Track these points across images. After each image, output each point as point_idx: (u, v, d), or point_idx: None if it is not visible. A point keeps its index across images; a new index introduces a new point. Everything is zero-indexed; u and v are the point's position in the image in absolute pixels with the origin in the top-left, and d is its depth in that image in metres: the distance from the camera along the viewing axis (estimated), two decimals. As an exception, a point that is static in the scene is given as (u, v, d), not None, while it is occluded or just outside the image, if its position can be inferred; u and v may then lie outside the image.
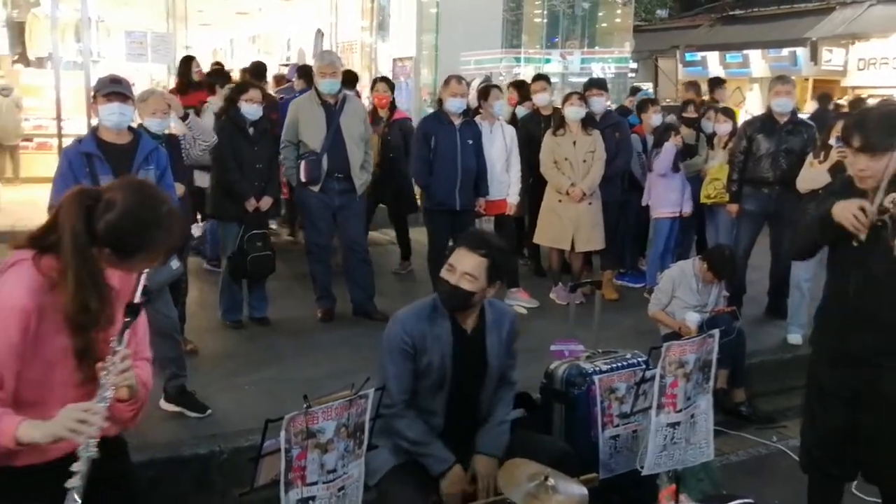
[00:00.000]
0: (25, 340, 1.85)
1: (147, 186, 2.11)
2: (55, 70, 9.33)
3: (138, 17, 11.56)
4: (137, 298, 1.94)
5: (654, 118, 6.72)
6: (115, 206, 1.89)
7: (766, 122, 5.81)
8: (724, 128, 6.38)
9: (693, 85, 8.93)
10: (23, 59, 11.89)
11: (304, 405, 2.37)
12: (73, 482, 1.78)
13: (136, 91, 4.35)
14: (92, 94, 3.88)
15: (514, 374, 3.22)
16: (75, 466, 1.79)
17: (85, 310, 1.87)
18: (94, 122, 3.91)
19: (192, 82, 7.34)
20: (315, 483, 2.44)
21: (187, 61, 7.68)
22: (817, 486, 3.10)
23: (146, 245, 1.93)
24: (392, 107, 6.93)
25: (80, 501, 1.78)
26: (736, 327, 4.73)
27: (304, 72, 8.29)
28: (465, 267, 2.86)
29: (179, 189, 4.17)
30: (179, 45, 10.69)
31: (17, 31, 11.38)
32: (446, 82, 5.81)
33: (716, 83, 8.85)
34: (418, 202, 6.34)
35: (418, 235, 6.94)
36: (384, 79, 7.41)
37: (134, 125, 3.93)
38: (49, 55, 9.96)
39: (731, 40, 18.49)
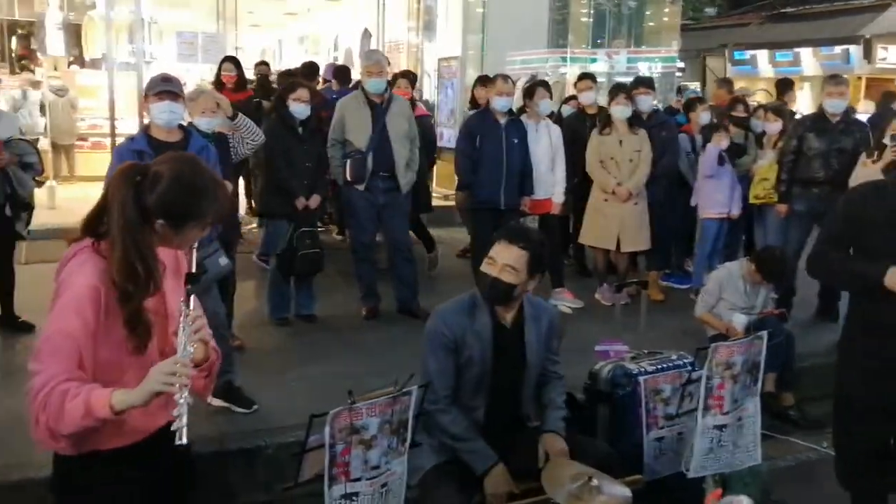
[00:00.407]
0: (98, 322, 1.89)
1: (192, 157, 2.18)
2: (109, 71, 9.54)
3: (190, 18, 11.79)
4: (194, 269, 2.01)
5: (702, 116, 6.62)
6: (163, 176, 1.93)
7: (817, 122, 5.68)
8: (773, 127, 6.26)
9: (726, 82, 8.75)
10: (78, 60, 12.20)
11: (349, 401, 2.39)
12: (177, 424, 1.81)
13: (187, 91, 4.42)
14: (144, 93, 3.97)
15: (560, 369, 3.22)
16: (175, 411, 1.82)
17: (131, 276, 1.89)
18: (146, 120, 3.99)
19: (221, 83, 7.26)
20: (359, 479, 2.47)
21: (230, 61, 7.67)
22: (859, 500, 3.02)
23: (195, 210, 1.97)
24: (412, 104, 6.92)
25: (185, 440, 1.81)
26: (785, 330, 4.64)
27: (340, 72, 8.37)
28: (506, 259, 2.86)
29: (228, 186, 4.23)
30: (229, 46, 10.86)
31: (74, 34, 11.68)
32: (493, 81, 5.81)
33: (785, 85, 8.58)
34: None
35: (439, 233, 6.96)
36: (406, 74, 7.39)
37: (184, 123, 4.00)
38: (103, 56, 10.19)
39: (782, 38, 18.12)
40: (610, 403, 3.52)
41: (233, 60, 7.62)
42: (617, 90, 6.17)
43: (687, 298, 6.11)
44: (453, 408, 2.94)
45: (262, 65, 8.75)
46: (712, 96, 8.84)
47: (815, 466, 4.21)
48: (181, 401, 1.82)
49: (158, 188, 1.92)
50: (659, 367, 3.54)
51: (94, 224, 1.97)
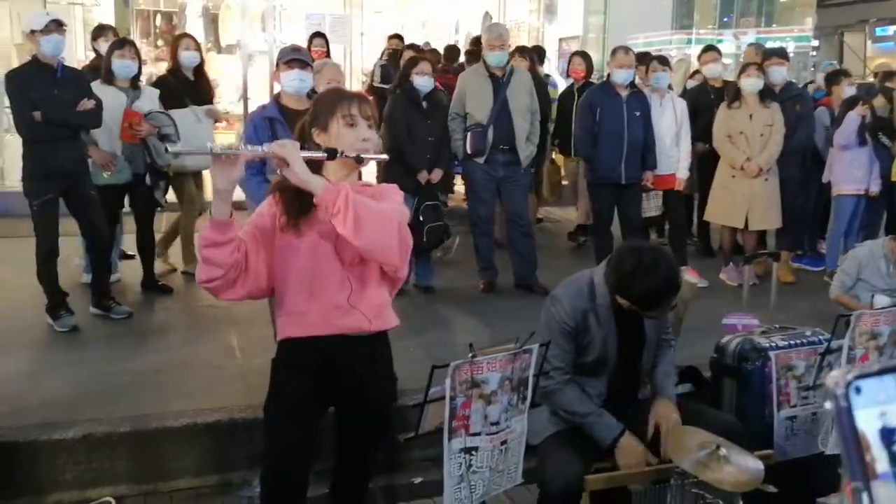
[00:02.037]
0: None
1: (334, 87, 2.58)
2: (243, 56, 9.95)
3: (317, 4, 12.12)
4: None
5: (846, 90, 6.21)
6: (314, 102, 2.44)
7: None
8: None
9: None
10: (215, 46, 12.79)
11: (470, 354, 2.40)
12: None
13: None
14: (275, 63, 4.10)
15: (671, 337, 3.16)
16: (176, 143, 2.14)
17: None
18: (277, 89, 4.13)
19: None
20: (478, 434, 2.47)
21: (319, 36, 7.59)
22: None
23: (331, 108, 2.30)
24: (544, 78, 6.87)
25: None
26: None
27: (448, 51, 8.51)
28: None
29: None
30: (355, 31, 11.09)
31: (212, 21, 12.25)
32: (613, 53, 5.69)
33: None
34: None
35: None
36: (535, 49, 7.29)
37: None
38: (237, 43, 10.64)
39: (931, 12, 16.80)
40: (737, 378, 3.36)
41: (322, 36, 7.65)
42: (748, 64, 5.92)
43: (820, 281, 5.79)
44: (573, 386, 2.88)
45: (396, 38, 8.72)
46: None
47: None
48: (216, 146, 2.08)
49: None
50: (792, 342, 3.34)
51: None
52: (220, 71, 11.15)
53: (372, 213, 2.08)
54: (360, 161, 2.25)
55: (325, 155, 2.19)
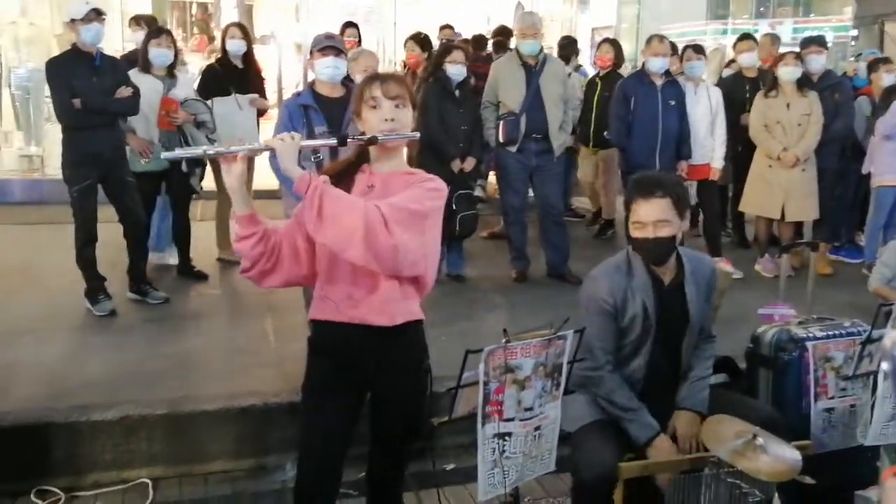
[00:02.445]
0: None
1: None
2: (278, 48, 10.03)
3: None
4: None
5: (885, 78, 6.08)
6: None
7: None
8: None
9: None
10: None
11: (504, 339, 2.39)
12: (186, 150, 2.12)
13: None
14: (309, 51, 4.12)
15: (713, 327, 3.09)
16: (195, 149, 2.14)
17: None
18: (311, 77, 4.15)
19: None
20: (512, 419, 2.46)
21: (351, 26, 7.52)
22: None
23: (359, 94, 2.30)
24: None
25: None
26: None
27: (476, 41, 8.40)
28: (654, 216, 2.71)
29: None
30: (388, 22, 11.12)
31: (247, 13, 12.37)
32: (648, 41, 5.65)
33: None
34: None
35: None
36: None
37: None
38: (272, 34, 10.72)
39: (978, 1, 16.35)
40: (773, 369, 3.31)
41: (354, 26, 7.67)
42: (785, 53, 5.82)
43: (858, 273, 5.68)
44: (616, 375, 2.85)
45: (447, 28, 8.68)
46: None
47: None
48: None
49: None
50: (830, 333, 3.28)
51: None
52: (260, 62, 11.29)
53: (340, 210, 2.04)
54: (373, 142, 2.21)
55: (335, 142, 2.22)
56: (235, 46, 5.57)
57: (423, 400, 2.44)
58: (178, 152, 2.47)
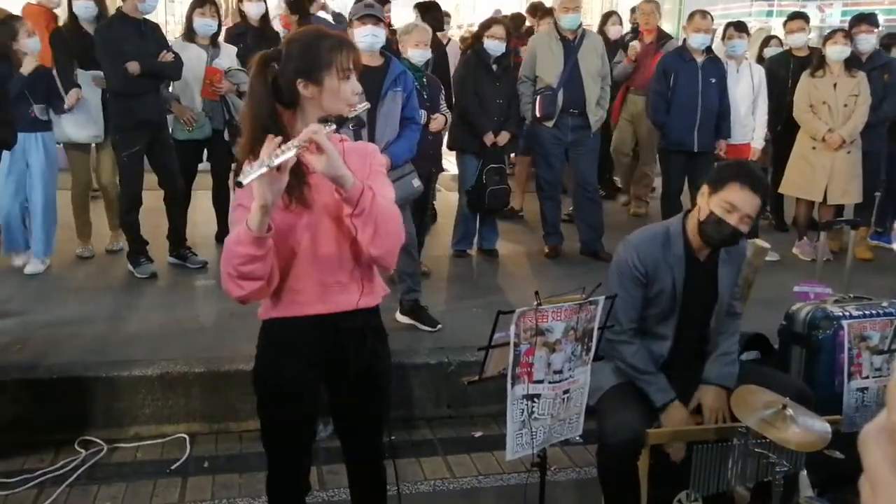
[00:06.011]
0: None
1: (313, 25, 2.35)
2: (316, 19, 10.06)
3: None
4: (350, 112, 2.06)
5: (937, 58, 5.95)
6: (292, 43, 2.05)
7: None
8: None
9: None
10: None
11: (535, 302, 2.42)
12: (248, 168, 1.80)
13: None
14: (348, 19, 4.14)
15: (739, 305, 3.08)
16: (259, 163, 1.80)
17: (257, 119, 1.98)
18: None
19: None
20: (541, 381, 2.49)
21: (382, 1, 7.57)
22: None
23: (325, 58, 2.00)
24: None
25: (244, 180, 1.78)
26: None
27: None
28: (748, 209, 2.69)
29: (424, 117, 4.36)
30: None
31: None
32: (690, 17, 5.58)
33: None
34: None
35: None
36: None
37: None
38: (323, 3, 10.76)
39: None
40: (807, 346, 3.30)
41: (387, 1, 7.67)
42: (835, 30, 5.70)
43: (899, 259, 5.58)
44: (637, 340, 2.88)
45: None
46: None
47: None
48: (270, 160, 1.78)
49: (289, 52, 2.02)
50: (866, 312, 3.26)
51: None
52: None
53: (388, 220, 1.97)
54: (343, 121, 2.05)
55: (334, 127, 1.94)
56: (254, 9, 5.49)
57: (389, 383, 2.35)
58: (249, 175, 1.82)
